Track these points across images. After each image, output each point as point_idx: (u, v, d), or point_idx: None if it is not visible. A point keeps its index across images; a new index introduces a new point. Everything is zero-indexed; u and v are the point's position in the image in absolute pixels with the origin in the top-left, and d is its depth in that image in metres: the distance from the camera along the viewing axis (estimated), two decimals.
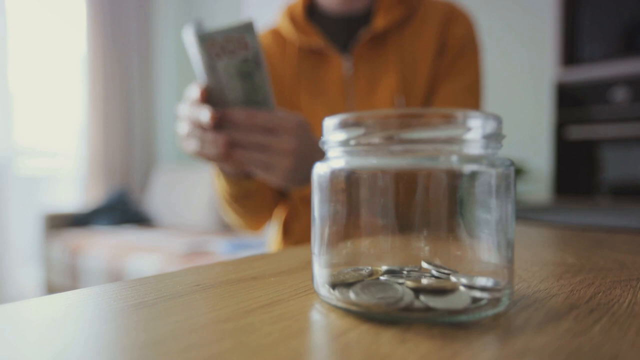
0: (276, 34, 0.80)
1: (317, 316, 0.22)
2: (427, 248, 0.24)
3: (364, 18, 0.76)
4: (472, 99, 0.74)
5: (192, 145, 0.56)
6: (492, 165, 0.22)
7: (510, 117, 1.98)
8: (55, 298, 0.25)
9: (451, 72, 0.74)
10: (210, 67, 0.50)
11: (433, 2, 0.77)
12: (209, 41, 0.48)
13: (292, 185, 0.59)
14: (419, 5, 0.76)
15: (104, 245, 2.14)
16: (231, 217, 0.77)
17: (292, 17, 0.77)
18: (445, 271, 0.24)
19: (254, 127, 0.53)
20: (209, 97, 0.54)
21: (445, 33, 0.74)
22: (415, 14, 0.75)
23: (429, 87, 0.74)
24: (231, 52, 0.49)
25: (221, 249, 1.91)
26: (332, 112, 0.70)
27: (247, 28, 0.48)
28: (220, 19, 3.09)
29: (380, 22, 0.72)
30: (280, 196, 0.79)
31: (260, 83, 0.52)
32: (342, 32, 0.77)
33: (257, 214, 0.75)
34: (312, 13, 0.80)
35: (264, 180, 0.60)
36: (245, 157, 0.54)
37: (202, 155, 0.56)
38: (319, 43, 0.74)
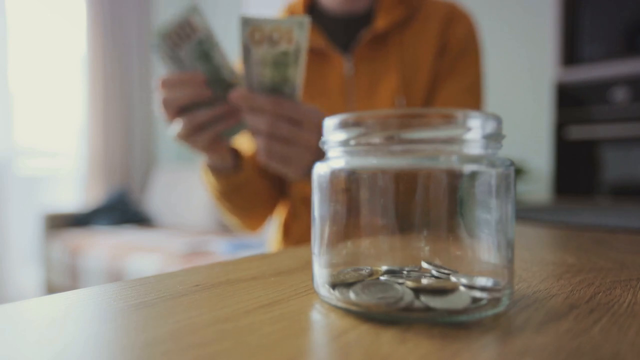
0: None
1: (317, 316, 0.22)
2: (427, 248, 0.24)
3: (364, 18, 0.76)
4: (472, 99, 0.74)
5: (205, 136, 0.53)
6: (492, 165, 0.22)
7: (510, 117, 1.98)
8: (55, 298, 0.25)
9: (452, 73, 0.74)
10: (246, 49, 0.48)
11: (434, 2, 0.77)
12: (254, 27, 0.47)
13: (300, 179, 0.57)
14: (420, 6, 0.76)
15: (104, 245, 2.14)
16: (225, 215, 0.77)
17: None
18: (445, 271, 0.24)
19: (280, 117, 0.50)
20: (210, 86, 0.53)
21: (446, 33, 0.74)
22: (416, 15, 0.75)
23: (429, 87, 0.74)
24: (274, 43, 0.48)
25: (221, 249, 1.91)
26: (332, 112, 0.70)
27: (299, 24, 0.47)
28: (221, 19, 3.09)
29: (381, 22, 0.72)
30: (279, 196, 0.79)
31: (292, 77, 0.50)
32: (342, 32, 0.77)
33: (247, 210, 0.74)
34: (312, 13, 0.80)
35: (277, 171, 0.58)
36: (265, 146, 0.51)
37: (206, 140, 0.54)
38: (319, 43, 0.74)
